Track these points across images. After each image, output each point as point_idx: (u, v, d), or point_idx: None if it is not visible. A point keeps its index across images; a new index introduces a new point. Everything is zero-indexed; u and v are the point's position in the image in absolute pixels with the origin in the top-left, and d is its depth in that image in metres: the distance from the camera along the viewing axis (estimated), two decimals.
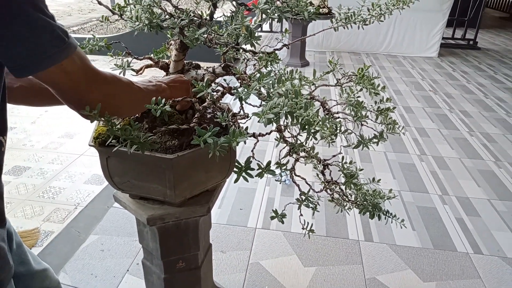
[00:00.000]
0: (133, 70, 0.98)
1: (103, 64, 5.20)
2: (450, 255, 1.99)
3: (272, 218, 0.96)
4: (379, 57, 6.20)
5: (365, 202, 1.01)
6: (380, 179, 1.02)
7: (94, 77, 0.69)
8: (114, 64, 0.94)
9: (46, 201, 2.34)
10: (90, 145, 0.90)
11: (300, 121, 0.57)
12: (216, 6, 0.84)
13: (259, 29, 6.92)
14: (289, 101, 0.58)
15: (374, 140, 0.90)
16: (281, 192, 2.49)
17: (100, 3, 0.85)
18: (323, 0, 4.97)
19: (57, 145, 3.05)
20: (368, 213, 1.01)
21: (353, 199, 1.03)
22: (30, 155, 2.88)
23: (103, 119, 0.70)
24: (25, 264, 0.93)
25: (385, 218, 1.02)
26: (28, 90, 0.84)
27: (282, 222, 0.96)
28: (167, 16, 0.87)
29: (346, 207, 1.06)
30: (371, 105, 0.99)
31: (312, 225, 1.00)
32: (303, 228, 1.00)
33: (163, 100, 0.75)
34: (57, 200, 2.36)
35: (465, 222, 2.25)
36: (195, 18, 0.85)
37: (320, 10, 4.93)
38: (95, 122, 1.00)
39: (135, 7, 0.86)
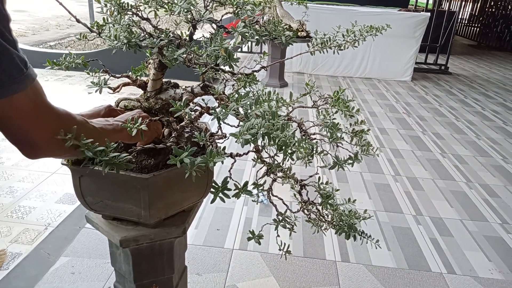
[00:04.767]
0: (109, 88, 0.97)
1: (80, 80, 5.13)
2: (425, 275, 2.01)
3: (249, 239, 0.95)
4: (355, 80, 6.37)
5: (341, 223, 1.02)
6: (355, 200, 1.03)
7: (46, 112, 0.64)
8: (91, 82, 0.92)
9: (14, 221, 2.24)
10: (62, 164, 0.88)
11: (276, 142, 0.58)
12: (195, 27, 0.85)
13: (238, 50, 7.00)
14: (266, 122, 0.59)
15: (349, 161, 0.92)
16: (259, 212, 2.47)
17: (78, 21, 0.85)
18: (301, 24, 5.11)
19: (28, 162, 2.94)
20: (344, 233, 1.02)
21: (329, 220, 1.04)
22: None
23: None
24: None
25: (361, 238, 1.03)
26: None
27: (259, 243, 0.95)
28: (146, 36, 0.87)
29: (322, 228, 1.06)
30: (347, 127, 1.02)
31: (289, 246, 1.00)
32: (280, 250, 1.00)
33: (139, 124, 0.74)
34: (26, 220, 2.26)
35: (439, 242, 2.29)
36: (174, 39, 0.85)
37: (299, 33, 5.06)
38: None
39: (114, 26, 0.86)
